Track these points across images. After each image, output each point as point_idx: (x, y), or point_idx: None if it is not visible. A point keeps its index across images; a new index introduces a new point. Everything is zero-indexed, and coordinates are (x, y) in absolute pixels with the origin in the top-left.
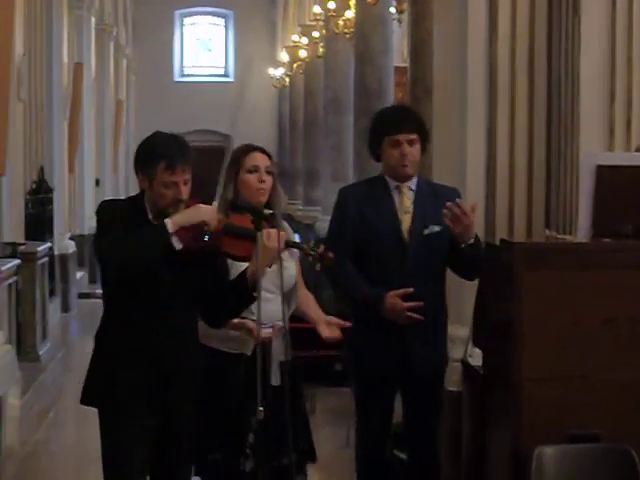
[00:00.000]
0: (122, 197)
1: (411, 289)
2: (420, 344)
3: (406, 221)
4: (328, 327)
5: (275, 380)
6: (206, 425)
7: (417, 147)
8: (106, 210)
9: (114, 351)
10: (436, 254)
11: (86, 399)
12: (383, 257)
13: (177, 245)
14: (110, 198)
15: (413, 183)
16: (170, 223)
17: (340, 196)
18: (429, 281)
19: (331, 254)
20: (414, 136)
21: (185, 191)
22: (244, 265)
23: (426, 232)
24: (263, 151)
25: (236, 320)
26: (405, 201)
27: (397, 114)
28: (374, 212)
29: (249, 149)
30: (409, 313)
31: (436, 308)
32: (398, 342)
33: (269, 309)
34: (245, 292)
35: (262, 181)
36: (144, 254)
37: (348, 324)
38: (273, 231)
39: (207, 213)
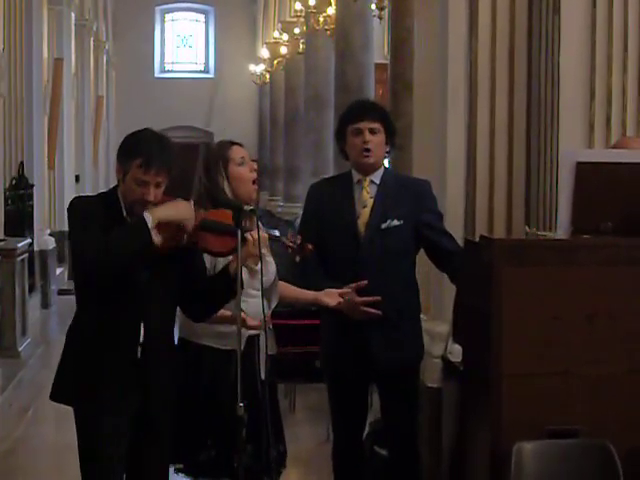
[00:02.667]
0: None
1: (364, 282)
2: (381, 340)
3: (364, 215)
4: (330, 297)
5: (263, 374)
6: (198, 423)
7: (380, 137)
8: (78, 207)
9: (86, 346)
10: (396, 248)
11: (56, 396)
12: (338, 251)
13: (156, 239)
14: (80, 195)
15: (377, 176)
16: (150, 218)
17: (308, 192)
18: (386, 275)
19: (310, 245)
20: (376, 124)
21: (155, 193)
22: (228, 259)
23: (383, 226)
24: (241, 145)
25: (224, 313)
26: (364, 195)
27: (360, 105)
28: (333, 206)
29: (232, 143)
30: (365, 308)
31: (398, 303)
32: (359, 339)
33: (255, 304)
34: (228, 287)
35: (253, 170)
36: (126, 252)
37: (347, 290)
38: (255, 234)
39: (187, 212)
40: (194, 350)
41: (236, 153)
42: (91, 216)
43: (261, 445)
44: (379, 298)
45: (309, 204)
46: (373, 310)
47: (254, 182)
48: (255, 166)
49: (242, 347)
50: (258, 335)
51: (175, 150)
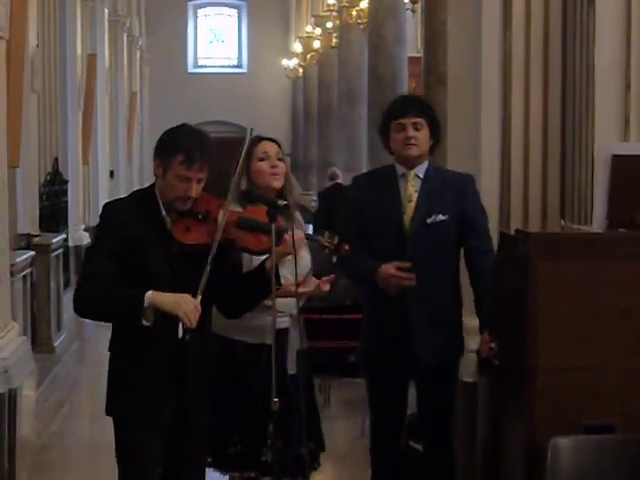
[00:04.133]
0: (135, 188)
1: (408, 263)
2: (428, 336)
3: (409, 209)
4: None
5: (292, 369)
6: (226, 417)
7: (424, 132)
8: (107, 216)
9: (129, 360)
10: (441, 243)
11: (108, 410)
12: (384, 245)
13: (146, 323)
14: (113, 199)
15: (421, 170)
16: (149, 298)
17: (350, 186)
18: (432, 270)
19: (347, 246)
20: (419, 119)
21: (196, 189)
22: (257, 258)
23: (429, 221)
24: (272, 140)
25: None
26: (409, 189)
27: (403, 99)
28: (377, 201)
29: (258, 139)
30: (399, 272)
31: (443, 297)
32: (404, 334)
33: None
34: (264, 285)
35: (274, 166)
36: (110, 316)
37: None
38: (296, 235)
39: (184, 310)
40: (223, 344)
41: (260, 149)
42: (117, 225)
43: (289, 441)
44: (409, 264)
45: (351, 198)
46: (405, 275)
47: (276, 178)
48: (276, 162)
49: (270, 341)
50: (287, 329)
51: (213, 144)
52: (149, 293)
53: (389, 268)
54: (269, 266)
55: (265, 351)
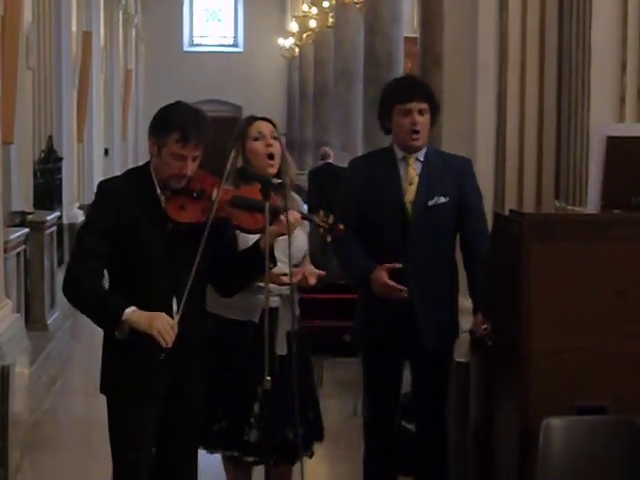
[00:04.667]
0: (130, 167)
1: (399, 264)
2: (426, 318)
3: (410, 192)
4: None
5: (281, 349)
6: (212, 394)
7: (427, 117)
8: (102, 194)
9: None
10: (441, 225)
11: (102, 388)
12: (385, 228)
13: (119, 336)
14: (108, 177)
15: (421, 154)
16: (127, 315)
17: (347, 168)
18: (433, 252)
19: (341, 226)
20: (424, 105)
21: (192, 167)
22: (253, 236)
23: (430, 203)
24: (267, 119)
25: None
26: (410, 172)
27: (408, 83)
28: (379, 183)
29: (252, 119)
30: (391, 283)
31: (443, 280)
32: (403, 314)
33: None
34: (259, 263)
35: (269, 145)
36: (87, 313)
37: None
38: (291, 215)
39: (160, 330)
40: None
41: (254, 128)
42: (111, 203)
43: (276, 424)
44: (400, 265)
45: (350, 180)
46: (399, 286)
47: (271, 157)
48: (270, 141)
49: (257, 319)
50: (276, 309)
51: (209, 122)
52: (128, 310)
53: (382, 275)
54: (263, 245)
55: (251, 329)
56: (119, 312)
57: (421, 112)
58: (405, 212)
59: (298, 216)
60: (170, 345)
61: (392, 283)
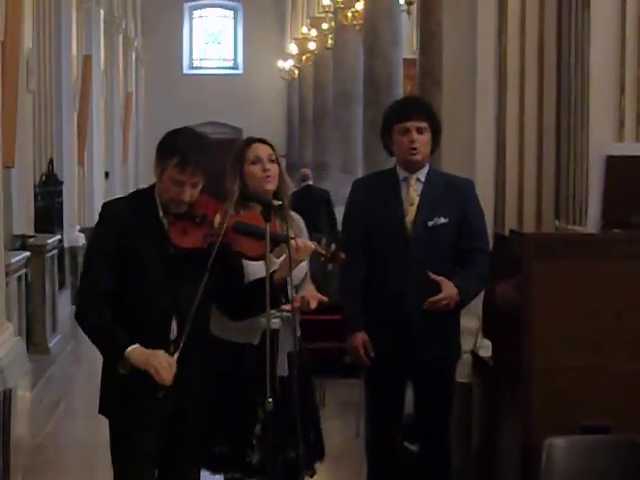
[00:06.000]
0: (131, 190)
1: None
2: (428, 338)
3: (411, 212)
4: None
5: (282, 370)
6: (213, 417)
7: (427, 136)
8: (106, 215)
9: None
10: (442, 245)
11: (101, 410)
12: (386, 249)
13: (122, 371)
14: (113, 198)
15: (422, 174)
16: (128, 352)
17: (351, 189)
18: (434, 272)
19: (343, 255)
20: (423, 124)
21: (190, 193)
22: (259, 263)
23: (430, 224)
24: (264, 141)
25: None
26: (411, 192)
27: (407, 103)
28: (380, 203)
29: (250, 141)
30: (362, 352)
31: None
32: (405, 335)
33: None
34: (273, 295)
35: (266, 170)
36: (92, 340)
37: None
38: (300, 242)
39: (157, 368)
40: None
41: (252, 152)
42: (115, 224)
43: (277, 445)
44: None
45: (353, 202)
46: (365, 360)
47: (269, 180)
48: (268, 165)
49: (257, 341)
50: (277, 330)
51: (213, 149)
52: (130, 348)
53: (358, 343)
54: (278, 277)
55: (251, 351)
56: (121, 351)
57: (420, 130)
58: (406, 232)
59: (311, 245)
60: (168, 383)
61: (362, 353)
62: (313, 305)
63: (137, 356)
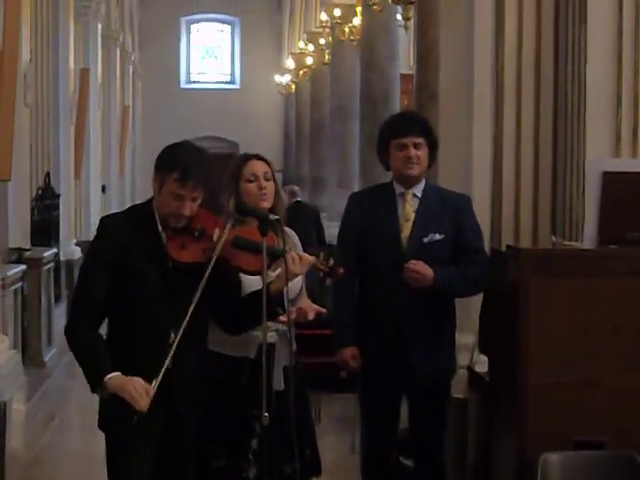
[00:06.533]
0: (127, 203)
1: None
2: (423, 353)
3: (407, 229)
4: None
5: (278, 385)
6: (210, 431)
7: (424, 151)
8: (103, 229)
9: (117, 364)
10: (437, 263)
11: (100, 424)
12: (381, 264)
13: (100, 394)
14: (110, 213)
15: (419, 189)
16: (107, 379)
17: (348, 203)
18: (428, 289)
19: (341, 269)
20: (420, 140)
21: (190, 208)
22: (256, 278)
23: (425, 240)
24: (260, 158)
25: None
26: (407, 208)
27: (404, 118)
28: (376, 219)
29: (246, 158)
30: (349, 365)
31: (439, 316)
32: (400, 350)
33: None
34: (269, 308)
35: (262, 187)
36: (77, 359)
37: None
38: (296, 256)
39: (132, 394)
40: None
41: (248, 169)
42: (112, 239)
43: (273, 459)
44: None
45: (349, 216)
46: (355, 365)
47: (265, 198)
48: (264, 183)
49: (253, 355)
50: (273, 344)
51: (211, 163)
52: (109, 376)
53: (348, 357)
54: (274, 289)
55: (248, 365)
56: (101, 377)
57: (417, 146)
58: (401, 248)
59: (311, 259)
60: (143, 410)
61: (353, 365)
62: (311, 316)
63: (115, 383)
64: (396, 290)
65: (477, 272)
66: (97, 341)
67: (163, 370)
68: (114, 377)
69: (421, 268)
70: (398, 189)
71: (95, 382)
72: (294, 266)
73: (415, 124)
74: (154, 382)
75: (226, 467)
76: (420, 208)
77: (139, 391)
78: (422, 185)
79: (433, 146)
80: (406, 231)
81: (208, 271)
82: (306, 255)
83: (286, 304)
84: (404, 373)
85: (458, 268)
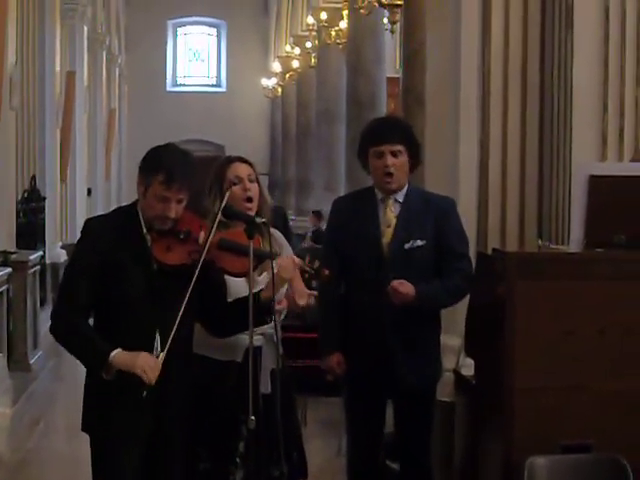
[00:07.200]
0: (113, 206)
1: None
2: (407, 359)
3: (387, 235)
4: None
5: (265, 388)
6: (196, 434)
7: (402, 159)
8: (88, 232)
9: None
10: (418, 268)
11: (84, 426)
12: (363, 270)
13: (107, 377)
14: (96, 215)
15: (401, 195)
16: (111, 358)
17: (331, 208)
18: (412, 305)
19: (327, 271)
20: (399, 147)
21: (176, 210)
22: (241, 280)
23: (407, 246)
24: (244, 160)
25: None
26: (388, 214)
27: (382, 125)
28: (357, 225)
29: (229, 160)
30: (334, 371)
31: (422, 320)
32: (384, 354)
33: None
34: (259, 312)
35: (246, 189)
36: (75, 355)
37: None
38: (285, 260)
39: (144, 368)
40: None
41: (232, 172)
42: (98, 240)
43: (260, 462)
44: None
45: (332, 221)
46: (337, 373)
47: (249, 200)
48: (248, 185)
49: (241, 358)
50: (260, 347)
51: (196, 165)
52: (113, 353)
53: (334, 363)
54: (264, 296)
55: (235, 369)
56: (105, 356)
57: (394, 154)
58: (382, 254)
59: (299, 261)
60: (153, 383)
61: (338, 372)
62: (303, 302)
63: (121, 360)
64: (379, 295)
65: (459, 281)
66: (86, 325)
67: (169, 343)
68: (118, 354)
69: (403, 288)
70: (379, 194)
71: (99, 363)
72: (282, 270)
73: (393, 131)
74: (160, 355)
75: (212, 470)
76: (402, 213)
77: (150, 365)
78: (404, 190)
79: (414, 153)
80: (387, 237)
81: (196, 273)
82: (293, 257)
83: (275, 306)
84: (389, 378)
85: (441, 282)
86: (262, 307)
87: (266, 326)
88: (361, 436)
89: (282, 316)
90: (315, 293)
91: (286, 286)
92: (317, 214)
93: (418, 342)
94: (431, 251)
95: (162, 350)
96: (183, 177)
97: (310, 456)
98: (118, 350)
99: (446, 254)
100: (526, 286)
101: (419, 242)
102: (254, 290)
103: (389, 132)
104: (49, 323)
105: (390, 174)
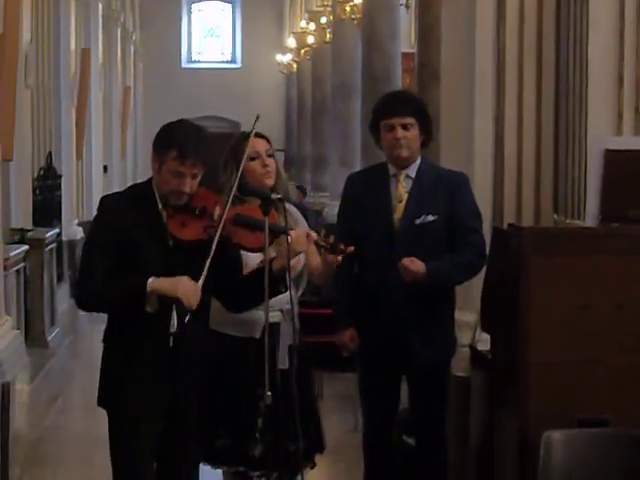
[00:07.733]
0: (129, 184)
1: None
2: (420, 334)
3: (399, 210)
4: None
5: (283, 363)
6: (215, 410)
7: (414, 132)
8: (104, 209)
9: (123, 351)
10: (430, 244)
11: (100, 401)
12: (373, 245)
13: (150, 310)
14: (111, 192)
15: (413, 170)
16: (150, 286)
17: (345, 183)
18: (424, 283)
19: (342, 245)
20: (409, 120)
21: (190, 185)
22: (256, 255)
23: (418, 222)
24: (261, 135)
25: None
26: (400, 189)
27: (393, 98)
28: (369, 200)
29: (247, 135)
30: (348, 346)
31: (435, 296)
32: (398, 330)
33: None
34: (272, 285)
35: (265, 165)
36: (118, 307)
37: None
38: (298, 233)
39: (185, 292)
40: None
41: (250, 147)
42: (115, 218)
43: (278, 437)
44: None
45: (346, 197)
46: (350, 348)
47: (269, 175)
48: (267, 161)
49: (259, 335)
50: (278, 324)
51: (210, 141)
52: (150, 280)
53: (347, 339)
54: (276, 266)
55: (253, 345)
56: (142, 286)
57: (405, 127)
58: (393, 229)
59: (314, 235)
60: (194, 308)
61: (351, 348)
62: (301, 248)
63: (162, 285)
64: (391, 272)
65: (471, 257)
66: (112, 282)
67: (205, 274)
68: (155, 280)
69: (414, 266)
70: (391, 170)
71: (140, 298)
72: (296, 243)
73: (404, 104)
74: (199, 282)
75: (231, 446)
76: (413, 189)
77: (191, 289)
78: (416, 165)
79: (426, 124)
80: (398, 213)
81: (213, 248)
82: (308, 231)
83: (288, 281)
84: (402, 354)
85: (452, 258)
86: (275, 276)
87: (284, 302)
88: (375, 412)
89: (299, 291)
90: (314, 234)
91: (304, 260)
92: (301, 189)
93: (431, 318)
94: (443, 226)
95: (179, 327)
96: (196, 152)
97: (327, 431)
98: (153, 277)
99: (458, 229)
100: (542, 261)
101: (430, 217)
102: (251, 261)
103: (400, 105)
104: (67, 300)
105: (399, 141)
